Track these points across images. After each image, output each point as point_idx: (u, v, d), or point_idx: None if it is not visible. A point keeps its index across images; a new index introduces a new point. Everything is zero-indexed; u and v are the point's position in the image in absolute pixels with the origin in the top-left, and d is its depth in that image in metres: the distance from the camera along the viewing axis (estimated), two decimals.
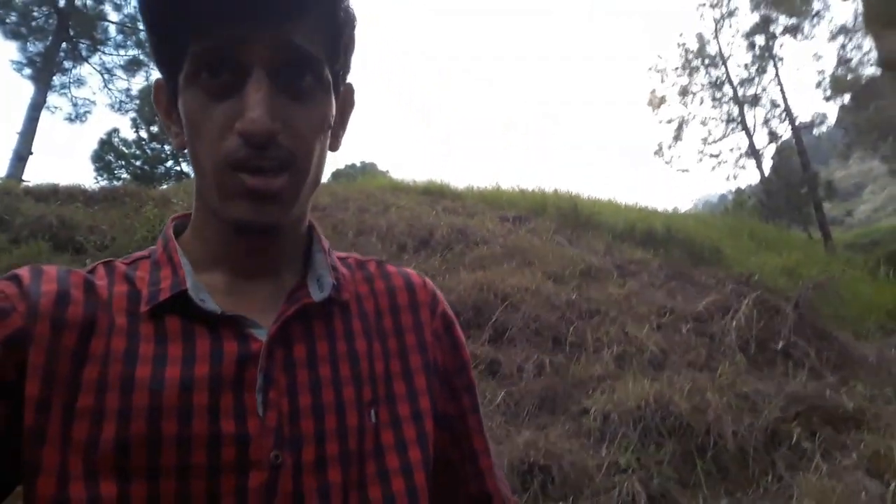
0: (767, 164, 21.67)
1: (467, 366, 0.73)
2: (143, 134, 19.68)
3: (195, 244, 0.62)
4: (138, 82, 16.98)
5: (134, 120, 19.23)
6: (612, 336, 4.84)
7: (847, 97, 20.27)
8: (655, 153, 23.19)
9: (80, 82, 16.40)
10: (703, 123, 22.61)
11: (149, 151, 19.80)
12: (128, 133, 20.00)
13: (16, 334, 0.51)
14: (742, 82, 21.75)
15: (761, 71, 21.37)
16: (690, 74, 22.44)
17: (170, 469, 0.50)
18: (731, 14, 21.35)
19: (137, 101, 17.54)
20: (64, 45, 15.64)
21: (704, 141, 22.53)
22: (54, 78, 15.65)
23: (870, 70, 18.48)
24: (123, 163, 19.94)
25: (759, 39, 20.98)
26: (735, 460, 3.35)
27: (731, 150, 22.32)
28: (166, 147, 19.44)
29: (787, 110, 20.54)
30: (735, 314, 5.18)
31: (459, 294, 5.26)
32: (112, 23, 16.24)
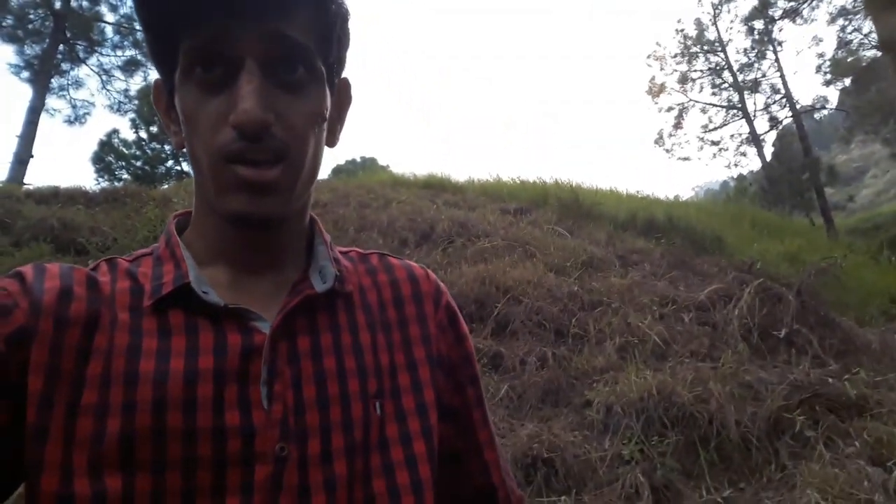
0: (769, 151, 21.62)
1: (471, 358, 0.74)
2: (143, 134, 19.67)
3: (197, 240, 0.62)
4: (136, 83, 16.96)
5: (133, 120, 19.21)
6: (614, 327, 4.84)
7: (848, 80, 20.15)
8: (656, 142, 23.12)
9: (78, 84, 16.36)
10: (703, 111, 22.54)
11: (149, 151, 19.79)
12: (127, 134, 19.99)
13: (19, 331, 0.51)
14: (742, 68, 21.66)
15: (761, 56, 21.27)
16: (690, 61, 22.34)
17: (175, 462, 0.50)
18: None
19: (136, 102, 17.52)
20: (61, 47, 15.61)
21: (705, 128, 22.46)
22: (52, 80, 15.62)
23: (870, 52, 18.37)
24: (124, 164, 19.93)
25: (758, 24, 20.85)
26: (738, 450, 3.36)
27: (732, 136, 22.25)
28: (166, 147, 19.43)
29: (788, 95, 20.44)
30: (737, 302, 5.17)
31: (461, 288, 5.27)
32: (108, 24, 16.21)
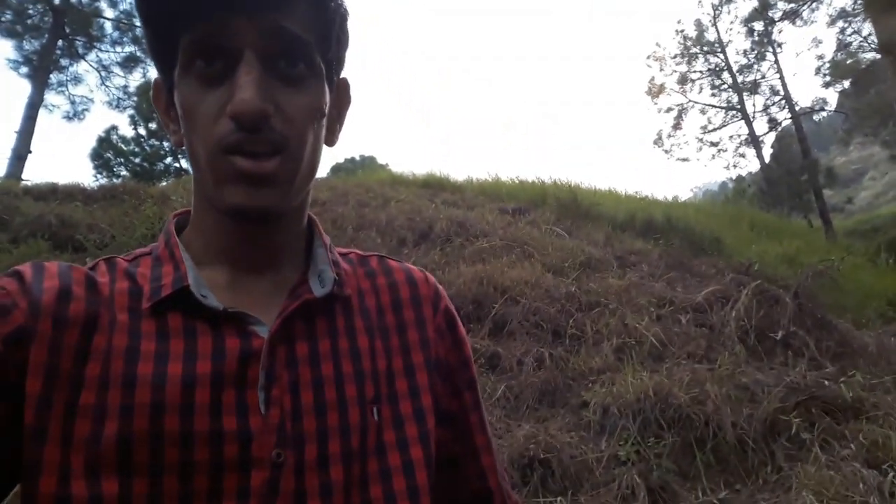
0: (767, 152, 21.63)
1: (469, 362, 0.73)
2: (142, 131, 19.63)
3: (196, 239, 0.62)
4: (136, 79, 16.94)
5: (132, 117, 19.16)
6: (611, 328, 4.84)
7: (847, 82, 20.16)
8: (655, 142, 23.13)
9: (77, 80, 16.35)
10: (703, 111, 22.56)
11: (147, 148, 19.75)
12: (126, 130, 19.96)
13: (17, 331, 0.51)
14: (741, 69, 21.67)
15: (760, 57, 21.29)
16: (689, 62, 22.35)
17: (172, 466, 0.50)
18: (729, 0, 21.23)
19: (135, 98, 17.50)
20: (60, 42, 15.59)
21: (704, 129, 22.47)
22: (51, 76, 15.61)
23: (869, 54, 18.38)
24: (122, 160, 19.87)
25: (758, 25, 20.87)
26: (734, 451, 3.36)
27: (731, 137, 22.27)
28: (165, 144, 19.40)
29: (787, 97, 20.47)
30: (734, 304, 5.17)
31: (459, 288, 5.27)
32: (108, 19, 16.18)
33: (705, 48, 22.10)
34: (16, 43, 15.04)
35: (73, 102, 16.31)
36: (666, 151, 23.09)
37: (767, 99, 21.33)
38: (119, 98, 17.02)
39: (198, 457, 0.50)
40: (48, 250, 6.17)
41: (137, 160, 19.84)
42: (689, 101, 22.43)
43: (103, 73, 16.46)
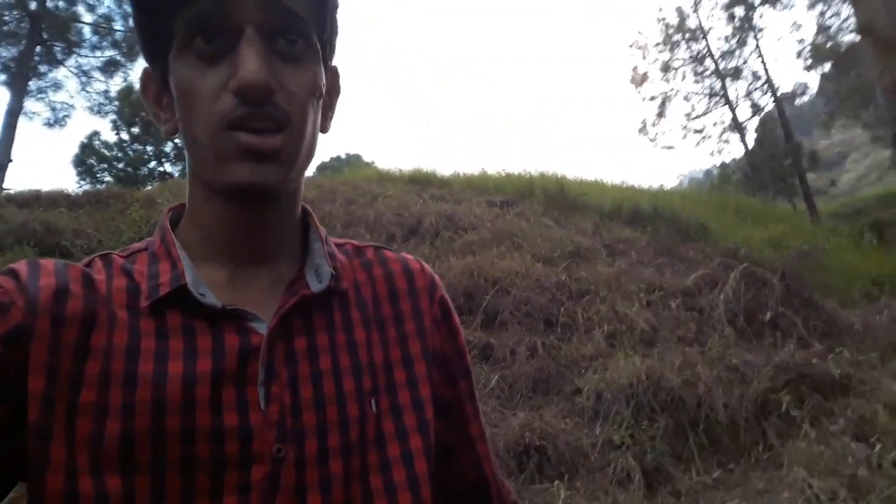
0: (751, 138, 21.78)
1: (464, 352, 0.74)
2: (125, 136, 19.39)
3: (192, 233, 0.61)
4: (117, 83, 16.64)
5: (114, 122, 18.91)
6: (602, 315, 4.88)
7: (828, 65, 20.31)
8: (640, 131, 23.15)
9: (57, 86, 16.05)
10: (686, 99, 22.56)
11: (131, 153, 19.53)
12: (109, 136, 19.71)
13: (16, 329, 0.50)
14: (723, 55, 21.72)
15: (742, 43, 21.35)
16: (672, 50, 22.37)
17: (174, 463, 0.50)
18: None
19: (117, 103, 17.25)
20: (38, 48, 15.36)
21: (688, 116, 22.51)
22: (30, 83, 15.36)
23: (849, 37, 18.53)
24: (106, 166, 19.65)
25: (739, 11, 20.91)
26: (726, 432, 3.41)
27: (715, 124, 22.29)
28: (149, 148, 19.21)
29: (769, 81, 20.57)
30: (723, 288, 5.23)
31: (450, 280, 5.28)
32: (86, 24, 15.92)
33: (687, 35, 22.15)
34: None
35: (53, 109, 16.05)
36: (651, 140, 23.18)
37: (750, 84, 21.41)
38: (100, 103, 16.75)
39: (199, 453, 0.51)
40: (34, 257, 6.11)
41: (121, 165, 19.60)
42: (673, 88, 22.53)
43: (83, 79, 16.21)
